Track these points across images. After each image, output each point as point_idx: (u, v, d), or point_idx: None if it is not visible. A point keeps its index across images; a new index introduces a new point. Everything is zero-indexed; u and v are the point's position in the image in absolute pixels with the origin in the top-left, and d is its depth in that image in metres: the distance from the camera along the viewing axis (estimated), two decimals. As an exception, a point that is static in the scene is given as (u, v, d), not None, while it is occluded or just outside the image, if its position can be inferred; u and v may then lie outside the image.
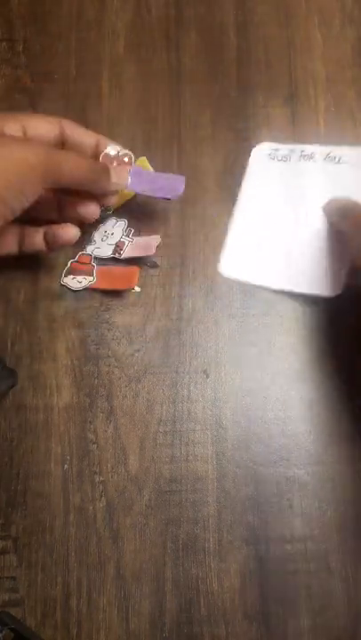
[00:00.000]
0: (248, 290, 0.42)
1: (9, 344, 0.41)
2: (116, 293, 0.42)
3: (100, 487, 0.39)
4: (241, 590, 0.37)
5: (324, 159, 0.43)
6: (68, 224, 0.38)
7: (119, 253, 0.42)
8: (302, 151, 0.43)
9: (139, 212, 0.43)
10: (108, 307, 0.42)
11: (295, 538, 0.38)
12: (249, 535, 0.38)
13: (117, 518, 0.39)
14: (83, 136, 0.39)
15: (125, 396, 0.40)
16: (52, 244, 0.39)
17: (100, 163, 0.39)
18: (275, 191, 0.43)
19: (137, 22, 0.47)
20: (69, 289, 0.42)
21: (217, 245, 0.43)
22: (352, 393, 0.40)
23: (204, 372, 0.41)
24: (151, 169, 0.43)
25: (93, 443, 0.40)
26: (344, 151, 0.43)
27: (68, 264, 0.42)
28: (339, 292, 0.41)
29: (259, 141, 0.44)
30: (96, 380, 0.41)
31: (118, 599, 0.37)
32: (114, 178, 0.38)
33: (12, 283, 0.42)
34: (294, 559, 0.38)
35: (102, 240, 0.42)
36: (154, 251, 0.41)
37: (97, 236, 0.43)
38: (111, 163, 0.40)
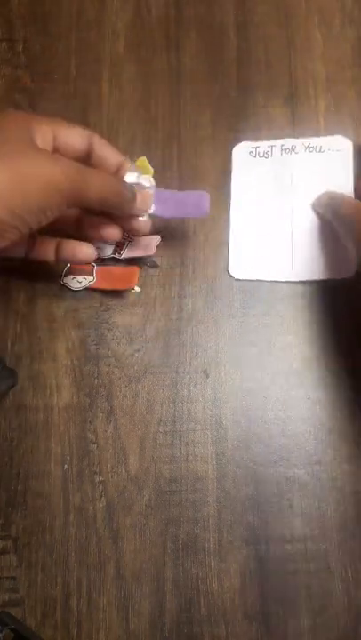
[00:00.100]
0: (248, 290, 0.42)
1: (9, 344, 0.41)
2: (116, 293, 0.42)
3: (100, 487, 0.39)
4: (241, 590, 0.37)
5: (306, 150, 0.44)
6: (86, 244, 0.38)
7: (119, 253, 0.42)
8: (282, 145, 0.44)
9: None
10: (108, 307, 0.42)
11: (295, 538, 0.38)
12: (249, 535, 0.38)
13: (117, 518, 0.39)
14: (109, 155, 0.37)
15: (125, 396, 0.40)
16: (64, 258, 0.38)
17: (128, 187, 0.36)
18: (264, 187, 0.44)
19: (137, 22, 0.47)
20: (69, 289, 0.42)
21: (217, 245, 0.43)
22: (352, 393, 0.40)
23: (204, 372, 0.41)
24: (151, 169, 0.43)
25: (93, 443, 0.40)
26: (321, 141, 0.44)
27: (68, 264, 0.42)
28: (351, 274, 0.41)
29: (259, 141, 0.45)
30: (96, 380, 0.41)
31: (118, 599, 0.37)
32: (138, 202, 0.37)
33: (11, 283, 0.42)
34: (294, 559, 0.38)
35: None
36: (154, 251, 0.41)
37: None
38: None
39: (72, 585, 0.38)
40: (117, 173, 0.37)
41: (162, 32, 0.47)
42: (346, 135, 0.44)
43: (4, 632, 0.35)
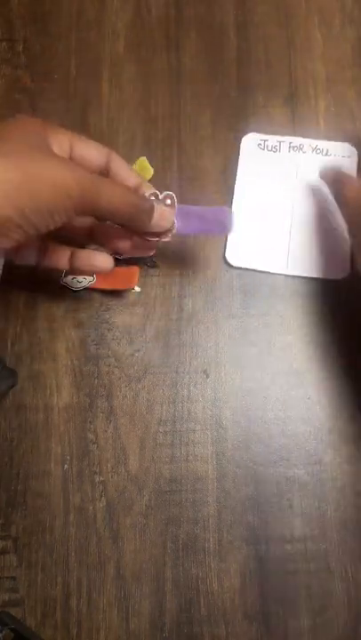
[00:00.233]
0: (248, 290, 0.42)
1: (9, 344, 0.41)
2: (116, 293, 0.42)
3: (100, 487, 0.39)
4: (241, 590, 0.37)
5: (313, 151, 0.44)
6: (103, 252, 0.37)
7: (119, 253, 0.42)
8: (291, 142, 0.44)
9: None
10: (108, 307, 0.42)
11: (295, 538, 0.38)
12: (249, 535, 0.38)
13: (117, 518, 0.39)
14: (126, 175, 0.35)
15: (125, 396, 0.40)
16: (80, 267, 0.37)
17: (146, 200, 0.35)
18: (269, 179, 0.44)
19: (137, 22, 0.47)
20: (69, 289, 0.42)
21: (217, 245, 0.43)
22: (353, 393, 0.40)
23: (204, 371, 0.41)
24: (151, 169, 0.43)
25: (93, 443, 0.40)
26: (328, 145, 0.44)
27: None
28: (346, 274, 0.41)
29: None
30: (96, 380, 0.41)
31: (118, 599, 0.37)
32: (155, 219, 0.35)
33: (11, 283, 0.42)
34: (294, 559, 0.38)
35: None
36: (154, 251, 0.41)
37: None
38: None
39: (72, 585, 0.38)
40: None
41: (162, 32, 0.47)
42: (346, 135, 0.44)
43: (4, 632, 0.35)
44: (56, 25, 0.47)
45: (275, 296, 0.42)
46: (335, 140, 0.44)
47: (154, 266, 0.42)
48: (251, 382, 0.41)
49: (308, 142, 0.44)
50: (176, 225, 0.36)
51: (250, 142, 0.44)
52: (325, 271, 0.42)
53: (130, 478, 0.39)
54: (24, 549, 0.38)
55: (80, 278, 0.42)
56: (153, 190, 0.36)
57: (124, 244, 0.36)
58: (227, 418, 0.40)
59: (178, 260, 0.43)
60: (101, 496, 0.39)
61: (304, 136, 0.44)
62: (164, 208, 0.36)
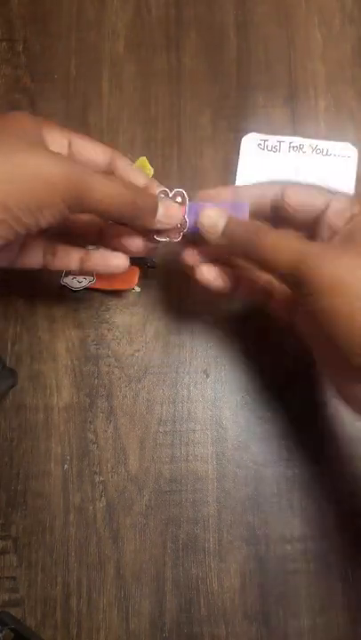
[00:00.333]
0: (248, 290, 0.42)
1: (9, 344, 0.41)
2: (116, 293, 0.42)
3: (100, 487, 0.39)
4: (241, 590, 0.37)
5: (313, 151, 0.44)
6: (117, 253, 0.35)
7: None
8: (291, 143, 0.44)
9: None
10: (108, 307, 0.42)
11: (295, 538, 0.38)
12: (249, 535, 0.38)
13: (117, 518, 0.39)
14: (134, 177, 0.33)
15: (125, 396, 0.40)
16: (94, 268, 0.35)
17: (148, 195, 0.33)
18: (268, 179, 0.44)
19: (137, 22, 0.47)
20: (69, 289, 0.42)
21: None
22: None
23: (204, 371, 0.41)
24: (151, 169, 0.43)
25: (93, 443, 0.40)
26: (328, 145, 0.44)
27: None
28: None
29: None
30: (96, 380, 0.41)
31: (118, 599, 0.37)
32: (160, 215, 0.33)
33: (11, 282, 0.42)
34: (294, 559, 0.38)
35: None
36: (154, 251, 0.41)
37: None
38: None
39: (72, 585, 0.38)
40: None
41: (162, 32, 0.47)
42: (346, 135, 0.44)
43: (3, 632, 0.35)
44: (56, 25, 0.47)
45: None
46: (335, 139, 0.44)
47: (154, 266, 0.42)
48: (251, 382, 0.41)
49: (308, 142, 0.44)
50: (188, 223, 0.34)
51: (250, 142, 0.45)
52: None
53: (130, 478, 0.39)
54: (24, 549, 0.38)
55: (80, 278, 0.42)
56: (162, 188, 0.34)
57: (134, 244, 0.34)
58: (227, 418, 0.40)
59: (178, 259, 0.43)
60: (101, 496, 0.39)
61: (304, 136, 0.44)
62: (170, 204, 0.33)
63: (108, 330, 0.42)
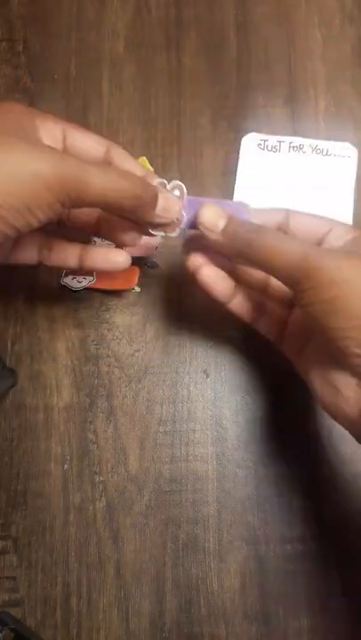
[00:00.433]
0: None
1: (9, 344, 0.41)
2: (116, 293, 0.42)
3: (100, 487, 0.39)
4: (241, 590, 0.37)
5: (313, 151, 0.44)
6: (118, 250, 0.34)
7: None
8: (291, 143, 0.44)
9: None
10: (108, 307, 0.42)
11: (295, 538, 0.38)
12: (249, 535, 0.38)
13: (117, 518, 0.39)
14: (131, 166, 0.32)
15: (125, 396, 0.40)
16: (94, 266, 0.34)
17: (148, 186, 0.31)
18: (268, 179, 0.44)
19: (137, 22, 0.47)
20: (69, 289, 0.42)
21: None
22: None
23: (204, 371, 0.41)
24: (151, 169, 0.43)
25: (93, 443, 0.40)
26: (328, 145, 0.44)
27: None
28: None
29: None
30: (96, 380, 0.41)
31: (118, 599, 0.37)
32: (159, 209, 0.31)
33: (11, 282, 0.42)
34: (294, 559, 0.38)
35: (102, 240, 0.42)
36: (154, 251, 0.41)
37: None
38: None
39: (72, 585, 0.38)
40: None
41: (162, 32, 0.47)
42: (346, 135, 0.44)
43: (3, 632, 0.35)
44: (56, 25, 0.47)
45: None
46: (335, 139, 0.44)
47: (154, 266, 0.42)
48: (251, 382, 0.41)
49: (308, 142, 0.44)
50: (184, 218, 0.33)
51: (250, 142, 0.45)
52: None
53: (130, 478, 0.39)
54: (24, 549, 0.38)
55: (80, 278, 0.42)
56: (160, 180, 0.33)
57: (131, 236, 0.33)
58: (227, 418, 0.40)
59: (178, 259, 0.43)
60: (101, 496, 0.39)
61: (304, 136, 0.44)
62: (169, 196, 0.32)
63: (108, 330, 0.42)
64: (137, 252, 0.42)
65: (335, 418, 0.31)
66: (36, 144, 0.28)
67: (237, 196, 0.44)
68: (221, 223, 0.32)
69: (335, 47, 0.46)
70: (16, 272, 0.42)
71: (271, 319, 0.35)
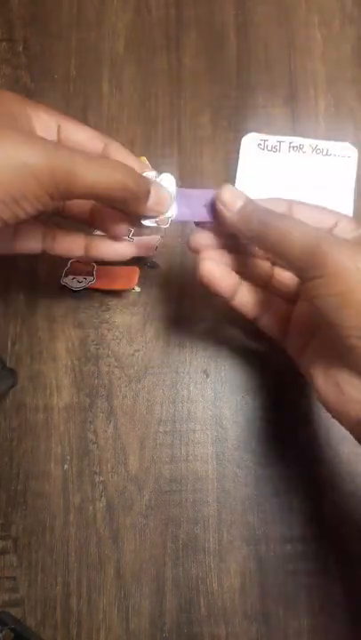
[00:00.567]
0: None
1: (9, 344, 0.41)
2: (116, 293, 0.42)
3: (100, 487, 0.39)
4: (241, 590, 0.37)
5: (313, 151, 0.44)
6: (124, 241, 0.34)
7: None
8: (291, 143, 0.44)
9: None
10: (108, 307, 0.42)
11: (295, 538, 0.38)
12: (249, 535, 0.38)
13: (117, 518, 0.39)
14: (126, 160, 0.31)
15: (125, 396, 0.40)
16: (102, 255, 0.34)
17: (142, 179, 0.30)
18: (268, 179, 0.44)
19: (137, 22, 0.47)
20: (69, 289, 0.42)
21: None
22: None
23: (204, 371, 0.41)
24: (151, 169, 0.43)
25: (93, 443, 0.40)
26: (328, 145, 0.44)
27: (69, 264, 0.42)
28: None
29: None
30: (96, 380, 0.41)
31: (118, 599, 0.37)
32: (151, 203, 0.31)
33: (11, 283, 0.42)
34: (294, 559, 0.38)
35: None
36: (154, 251, 0.41)
37: (97, 236, 0.43)
38: None
39: (72, 585, 0.38)
40: None
41: (162, 32, 0.47)
42: (346, 135, 0.44)
43: (3, 632, 0.35)
44: (56, 25, 0.47)
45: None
46: (335, 139, 0.44)
47: (154, 266, 0.42)
48: (251, 382, 0.41)
49: (308, 142, 0.44)
50: (176, 210, 0.33)
51: (250, 142, 0.45)
52: None
53: (130, 478, 0.39)
54: (24, 549, 0.38)
55: (80, 278, 0.42)
56: (151, 172, 0.33)
57: (121, 229, 0.33)
58: (227, 418, 0.40)
59: (178, 259, 0.43)
60: (101, 496, 0.39)
61: (304, 136, 0.44)
62: (161, 190, 0.32)
63: (108, 330, 0.42)
64: (137, 252, 0.42)
65: (337, 417, 0.31)
66: (29, 134, 0.28)
67: None
68: (239, 203, 0.32)
69: (335, 47, 0.46)
70: (16, 272, 0.42)
71: (274, 315, 0.35)
